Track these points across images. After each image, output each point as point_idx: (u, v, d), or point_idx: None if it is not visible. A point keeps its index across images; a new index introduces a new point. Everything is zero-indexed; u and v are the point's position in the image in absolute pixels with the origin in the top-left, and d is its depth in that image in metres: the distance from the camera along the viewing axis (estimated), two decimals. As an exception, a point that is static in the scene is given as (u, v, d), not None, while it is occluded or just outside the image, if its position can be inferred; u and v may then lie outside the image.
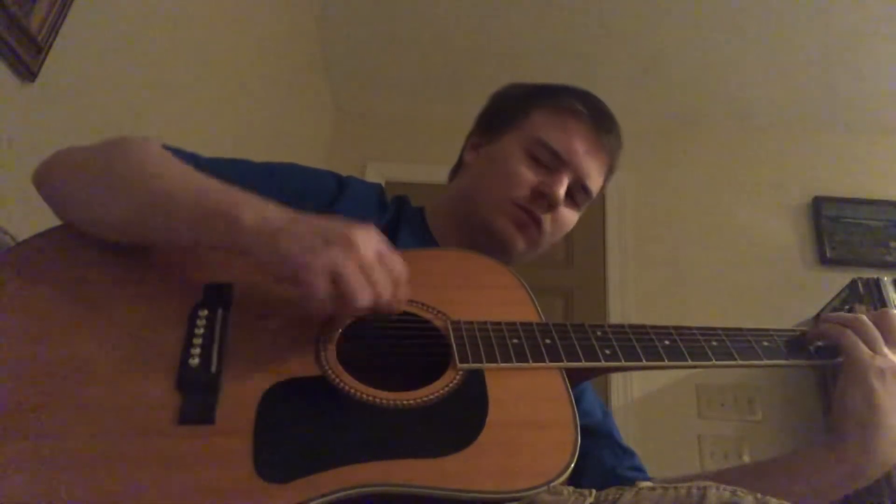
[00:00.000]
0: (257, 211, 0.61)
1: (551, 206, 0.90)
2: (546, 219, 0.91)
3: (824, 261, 2.77)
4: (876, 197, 2.88)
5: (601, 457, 0.83)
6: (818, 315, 2.44)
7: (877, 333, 0.71)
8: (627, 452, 0.88)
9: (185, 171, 0.69)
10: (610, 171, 0.99)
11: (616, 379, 2.57)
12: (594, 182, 0.94)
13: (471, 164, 0.99)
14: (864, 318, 0.73)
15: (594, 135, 0.93)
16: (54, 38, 1.14)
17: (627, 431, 2.43)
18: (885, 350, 0.70)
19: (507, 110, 0.98)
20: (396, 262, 0.61)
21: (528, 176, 0.90)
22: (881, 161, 2.97)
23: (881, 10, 2.43)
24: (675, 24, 2.59)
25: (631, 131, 3.42)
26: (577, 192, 0.93)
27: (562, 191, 0.89)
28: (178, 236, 0.65)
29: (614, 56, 2.77)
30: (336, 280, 0.56)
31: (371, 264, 0.58)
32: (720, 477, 0.72)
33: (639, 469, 0.86)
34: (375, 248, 0.60)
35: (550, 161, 0.91)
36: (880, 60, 2.66)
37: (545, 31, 2.67)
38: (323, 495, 0.50)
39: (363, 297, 0.57)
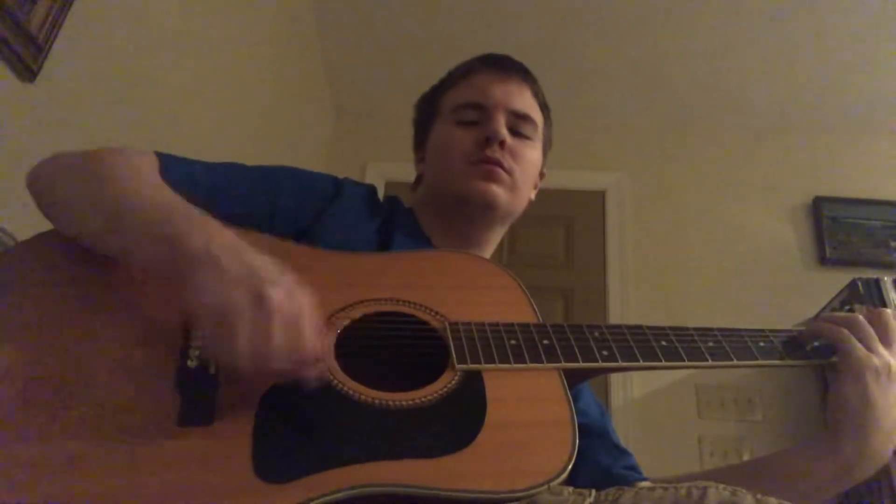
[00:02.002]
0: (207, 238, 0.58)
1: (500, 142, 0.91)
2: (504, 157, 0.91)
3: (824, 261, 2.77)
4: (876, 197, 2.88)
5: (597, 456, 0.83)
6: (818, 315, 2.44)
7: (872, 332, 0.72)
8: (623, 452, 0.88)
9: (152, 194, 0.66)
10: (538, 97, 1.00)
11: (616, 379, 2.57)
12: (525, 105, 0.96)
13: (423, 170, 1.02)
14: (860, 317, 0.73)
15: (496, 71, 0.97)
16: (54, 38, 1.14)
17: (627, 431, 2.44)
18: (880, 349, 0.71)
19: (423, 113, 1.03)
20: (305, 336, 0.54)
21: (466, 135, 0.93)
22: (881, 161, 2.97)
23: (881, 10, 2.43)
24: (675, 24, 2.59)
25: (631, 131, 3.41)
26: (518, 123, 0.95)
27: (499, 126, 0.92)
28: (130, 258, 0.64)
29: (614, 56, 2.77)
30: (222, 324, 0.52)
31: (269, 324, 0.52)
32: (715, 476, 0.72)
33: (634, 469, 0.86)
34: (291, 311, 0.54)
35: (476, 115, 0.94)
36: (880, 60, 2.66)
37: (545, 32, 2.66)
38: (322, 496, 0.50)
39: (245, 351, 0.52)
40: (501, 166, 0.91)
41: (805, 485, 0.70)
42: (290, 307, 0.54)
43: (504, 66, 0.98)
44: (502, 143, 0.91)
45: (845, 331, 0.72)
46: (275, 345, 0.53)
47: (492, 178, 0.91)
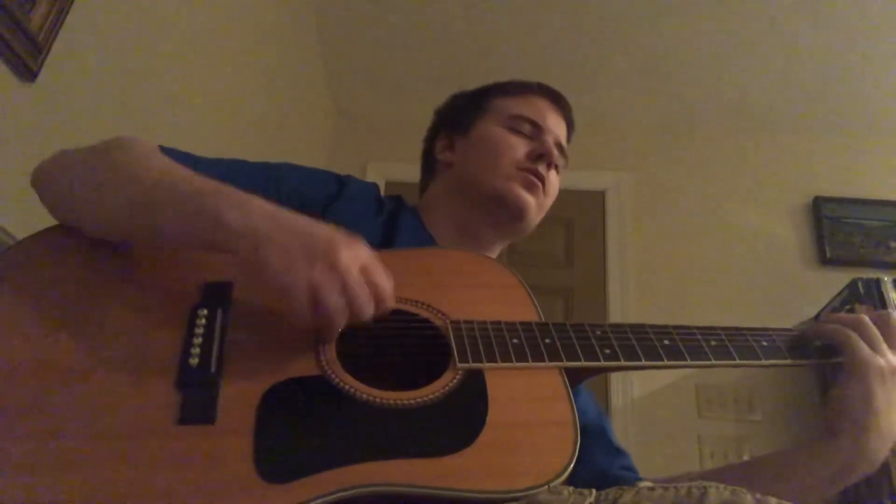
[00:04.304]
0: (243, 211, 0.60)
1: (549, 162, 0.97)
2: (549, 176, 0.97)
3: (824, 261, 2.77)
4: (876, 197, 2.88)
5: (594, 456, 0.83)
6: (818, 315, 2.44)
7: (878, 334, 0.72)
8: (620, 452, 0.88)
9: (176, 169, 0.68)
10: (570, 140, 1.08)
11: (616, 379, 2.57)
12: (565, 142, 1.04)
13: (452, 160, 1.03)
14: (866, 318, 0.73)
15: (552, 103, 1.04)
16: (54, 38, 1.14)
17: (627, 431, 2.44)
18: (886, 351, 0.71)
19: (470, 106, 1.05)
20: (381, 277, 0.60)
21: (520, 143, 0.98)
22: (881, 161, 2.97)
23: (881, 10, 2.44)
24: (675, 24, 2.59)
25: (631, 131, 3.40)
26: (558, 155, 1.00)
27: (553, 147, 0.98)
28: (163, 234, 0.65)
29: (614, 56, 2.77)
30: (316, 301, 0.56)
31: (353, 283, 0.58)
32: (713, 476, 0.72)
33: (630, 469, 0.86)
34: (360, 263, 0.59)
35: (530, 130, 0.99)
36: (880, 60, 2.66)
37: (545, 32, 2.67)
38: (323, 495, 0.50)
39: (341, 318, 0.58)
40: (543, 184, 0.96)
41: (803, 484, 0.71)
42: (358, 260, 0.59)
43: (560, 102, 1.05)
44: (549, 164, 0.97)
45: (852, 332, 0.72)
46: (361, 300, 0.58)
47: (533, 189, 0.95)
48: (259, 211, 0.61)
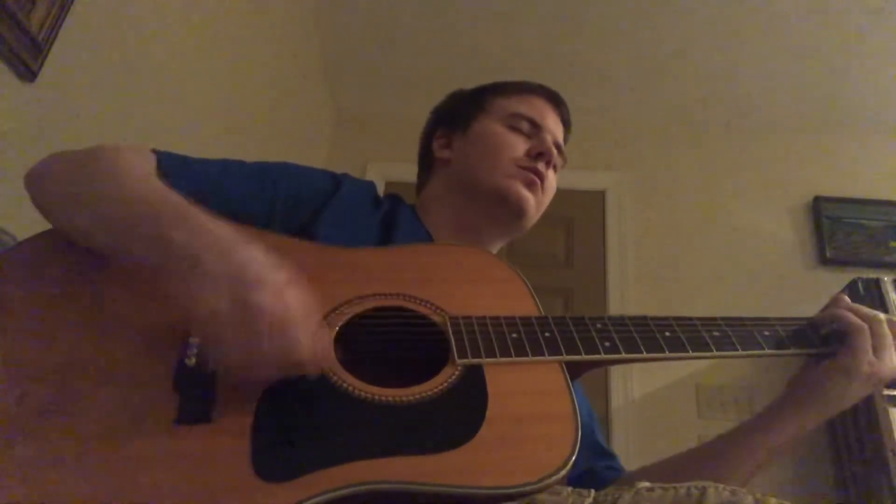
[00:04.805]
0: (191, 234, 0.58)
1: (548, 160, 0.98)
2: (548, 175, 0.98)
3: (824, 261, 2.77)
4: (876, 197, 2.88)
5: (579, 456, 0.84)
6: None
7: (888, 340, 0.73)
8: (606, 453, 0.89)
9: (142, 191, 0.66)
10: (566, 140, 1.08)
11: (616, 379, 2.57)
12: (563, 142, 1.05)
13: (451, 157, 1.03)
14: (884, 320, 0.74)
15: (551, 104, 1.05)
16: (54, 38, 1.14)
17: (627, 431, 2.44)
18: (886, 356, 0.72)
19: (468, 104, 1.06)
20: (296, 341, 0.54)
21: (519, 141, 0.98)
22: (881, 161, 2.97)
23: (881, 10, 2.43)
24: (674, 24, 2.59)
25: (631, 131, 3.39)
26: (556, 155, 1.01)
27: (553, 146, 0.98)
28: (119, 256, 0.63)
29: (614, 56, 2.77)
30: (210, 333, 0.53)
31: (255, 336, 0.52)
32: (681, 462, 0.78)
33: (616, 470, 0.86)
34: (279, 317, 0.53)
35: (530, 129, 1.00)
36: (880, 60, 2.66)
37: (545, 32, 2.67)
38: (322, 493, 0.50)
39: (229, 362, 0.54)
40: (542, 182, 0.96)
41: (761, 457, 0.75)
42: (279, 309, 0.53)
43: (559, 103, 1.06)
44: (548, 163, 0.98)
45: (868, 331, 0.72)
46: (265, 351, 0.53)
47: (532, 187, 0.95)
48: (207, 238, 0.58)
